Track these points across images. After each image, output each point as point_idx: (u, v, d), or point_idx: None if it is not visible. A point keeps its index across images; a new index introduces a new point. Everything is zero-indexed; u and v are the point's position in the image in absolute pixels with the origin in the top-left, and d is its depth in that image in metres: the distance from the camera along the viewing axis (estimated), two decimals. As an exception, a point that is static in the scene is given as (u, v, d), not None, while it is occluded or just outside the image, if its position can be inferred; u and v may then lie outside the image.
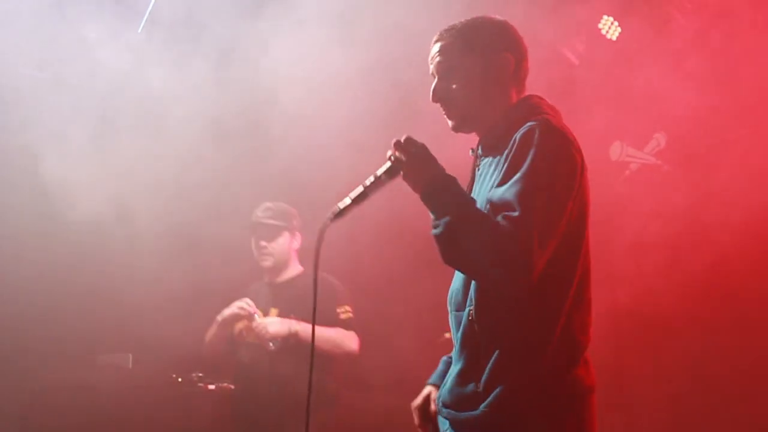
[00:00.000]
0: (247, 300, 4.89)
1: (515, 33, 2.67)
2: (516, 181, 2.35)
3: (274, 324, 4.78)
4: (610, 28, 5.53)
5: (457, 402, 2.50)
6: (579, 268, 2.47)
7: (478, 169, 2.63)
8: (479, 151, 2.65)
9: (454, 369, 2.55)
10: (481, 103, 2.59)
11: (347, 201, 2.58)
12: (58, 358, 5.30)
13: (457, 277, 2.58)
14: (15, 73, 5.14)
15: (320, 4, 4.92)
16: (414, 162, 2.48)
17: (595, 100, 5.44)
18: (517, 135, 2.42)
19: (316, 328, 4.49)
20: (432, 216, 2.41)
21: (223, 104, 5.27)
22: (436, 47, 2.64)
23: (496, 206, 2.37)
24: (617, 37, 5.52)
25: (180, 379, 5.23)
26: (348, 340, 4.86)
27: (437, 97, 2.64)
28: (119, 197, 5.28)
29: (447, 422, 2.57)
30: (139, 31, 5.30)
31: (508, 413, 2.39)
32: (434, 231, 2.39)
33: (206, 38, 5.23)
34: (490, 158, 2.56)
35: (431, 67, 2.66)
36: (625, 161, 5.69)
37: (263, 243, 4.96)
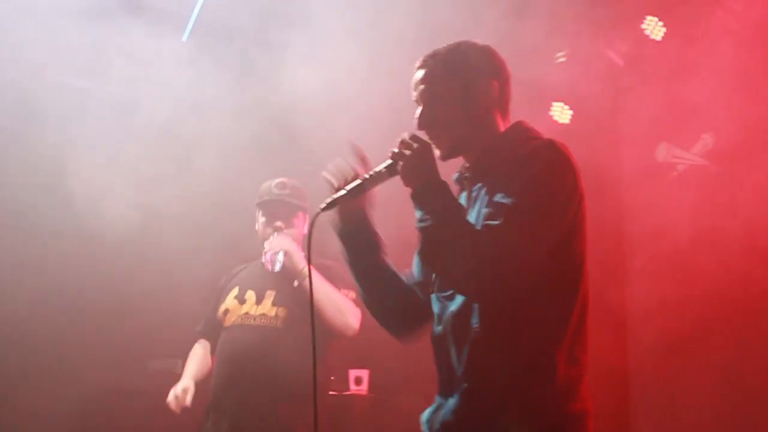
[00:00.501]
0: (178, 391, 4.32)
1: (498, 58, 2.66)
2: (508, 194, 2.36)
3: (293, 249, 4.30)
4: (654, 28, 5.49)
5: (464, 424, 2.45)
6: (582, 289, 2.47)
7: (473, 193, 2.59)
8: (468, 176, 2.63)
9: (455, 393, 2.48)
10: (467, 130, 2.58)
11: (342, 192, 2.62)
12: (110, 363, 5.40)
13: (455, 301, 2.52)
14: (51, 81, 5.23)
15: (348, 15, 4.95)
16: (412, 160, 2.48)
17: (641, 101, 5.42)
18: (522, 154, 2.44)
19: (322, 283, 4.19)
20: (417, 215, 2.43)
21: (255, 114, 5.32)
22: (419, 74, 2.62)
23: (485, 217, 2.39)
24: (662, 38, 5.49)
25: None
26: (352, 311, 4.28)
27: (423, 124, 2.61)
28: (152, 205, 5.34)
29: None
30: (184, 39, 5.40)
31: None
32: (419, 225, 2.42)
33: (241, 49, 5.30)
34: (485, 183, 2.54)
35: (414, 94, 2.64)
36: (672, 162, 5.65)
37: (279, 223, 4.43)
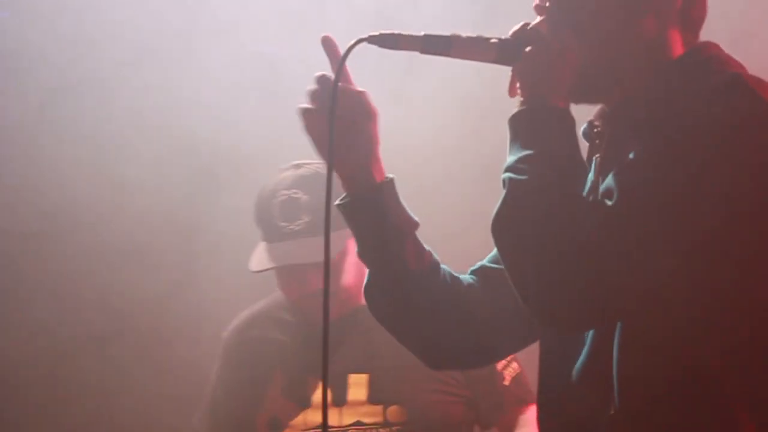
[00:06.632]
0: None
1: None
2: (647, 158, 1.35)
3: None
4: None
5: None
6: None
7: (606, 154, 1.49)
8: (602, 128, 1.52)
9: None
10: (609, 57, 1.46)
11: (411, 33, 1.47)
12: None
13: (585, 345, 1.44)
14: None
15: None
16: (547, 54, 1.41)
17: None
18: (689, 97, 1.37)
19: None
20: (509, 149, 1.41)
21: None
22: None
23: (603, 191, 1.39)
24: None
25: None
26: None
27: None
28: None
29: None
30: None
31: None
32: (504, 174, 1.37)
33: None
34: (624, 139, 1.42)
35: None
36: None
37: None
